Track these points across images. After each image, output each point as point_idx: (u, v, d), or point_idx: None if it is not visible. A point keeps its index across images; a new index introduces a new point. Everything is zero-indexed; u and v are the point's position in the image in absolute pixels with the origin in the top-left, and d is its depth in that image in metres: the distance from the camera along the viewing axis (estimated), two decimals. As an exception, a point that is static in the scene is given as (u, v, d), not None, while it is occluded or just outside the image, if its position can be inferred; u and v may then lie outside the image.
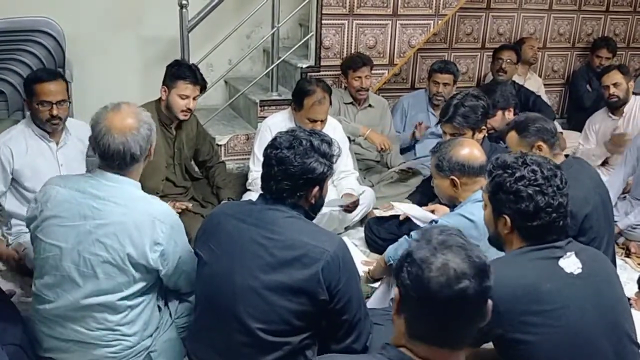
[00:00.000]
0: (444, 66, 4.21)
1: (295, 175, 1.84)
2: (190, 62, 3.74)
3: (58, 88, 2.77)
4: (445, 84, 4.18)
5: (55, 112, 2.78)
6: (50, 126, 2.82)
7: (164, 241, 1.97)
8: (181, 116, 3.12)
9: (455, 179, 2.47)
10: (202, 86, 3.17)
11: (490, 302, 1.28)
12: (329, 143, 1.93)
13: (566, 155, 2.76)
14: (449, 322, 1.24)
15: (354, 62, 3.91)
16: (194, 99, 3.11)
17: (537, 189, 1.74)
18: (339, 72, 4.06)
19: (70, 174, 2.71)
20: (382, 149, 3.91)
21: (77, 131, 2.96)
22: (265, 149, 1.92)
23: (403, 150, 4.31)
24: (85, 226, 1.94)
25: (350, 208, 3.28)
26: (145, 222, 1.94)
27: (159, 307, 2.15)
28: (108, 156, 1.97)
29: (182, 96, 3.07)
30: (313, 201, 1.93)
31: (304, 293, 1.78)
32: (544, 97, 5.05)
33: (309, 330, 1.85)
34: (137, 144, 1.98)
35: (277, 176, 1.85)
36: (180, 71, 3.09)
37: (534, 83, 5.10)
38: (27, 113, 2.89)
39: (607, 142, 4.12)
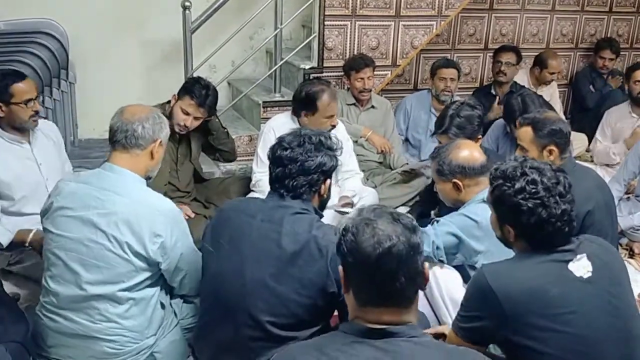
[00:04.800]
0: (447, 61, 4.25)
1: (311, 170, 1.94)
2: (194, 63, 3.78)
3: (33, 85, 2.82)
4: (451, 79, 4.18)
5: (37, 108, 2.80)
6: (32, 123, 2.80)
7: (163, 233, 2.01)
8: (176, 128, 3.10)
9: (458, 181, 2.46)
10: (209, 112, 3.15)
11: (426, 263, 1.40)
12: (331, 138, 2.05)
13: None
14: (386, 280, 1.33)
15: (357, 64, 3.90)
16: (195, 118, 3.10)
17: (538, 201, 1.70)
18: (342, 73, 4.06)
19: (50, 169, 2.86)
20: (382, 151, 3.91)
21: (42, 127, 2.92)
22: (275, 151, 1.98)
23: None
24: (88, 215, 1.99)
25: (347, 206, 3.31)
26: (145, 213, 2.00)
27: (162, 304, 2.16)
28: (112, 133, 2.11)
29: (184, 111, 3.08)
30: (325, 195, 2.03)
31: (314, 286, 1.82)
32: (557, 103, 4.98)
33: (317, 324, 1.88)
34: (141, 126, 2.10)
35: (293, 174, 1.93)
36: (193, 88, 3.08)
37: (547, 90, 5.00)
38: None
39: (628, 138, 4.11)
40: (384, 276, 1.33)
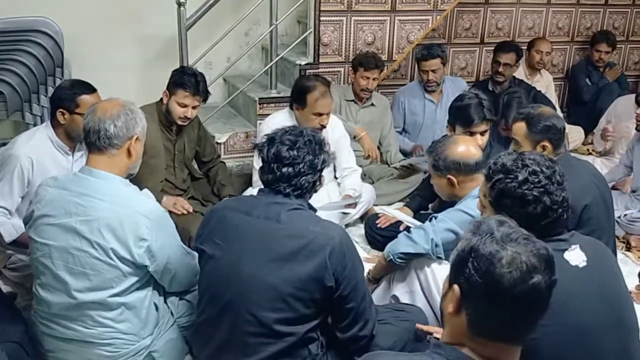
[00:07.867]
0: (427, 53, 4.18)
1: (315, 171, 1.96)
2: (189, 60, 3.77)
3: (99, 99, 2.71)
4: (433, 71, 4.18)
5: None
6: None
7: (148, 236, 1.97)
8: (179, 122, 3.14)
9: (452, 177, 2.47)
10: (204, 97, 3.16)
11: None
12: (317, 133, 2.05)
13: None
14: (518, 317, 1.21)
15: (368, 62, 3.87)
16: (193, 108, 3.11)
17: (542, 190, 1.74)
18: (338, 69, 4.06)
19: None
20: (368, 156, 3.87)
21: None
22: (269, 153, 1.94)
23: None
24: (70, 223, 1.96)
25: (350, 207, 3.32)
26: (128, 217, 1.95)
27: (155, 305, 2.15)
28: (86, 133, 2.04)
29: (180, 104, 3.09)
30: (317, 189, 2.04)
31: (312, 280, 1.82)
32: (553, 96, 4.99)
33: (315, 318, 1.89)
34: (113, 124, 2.01)
35: (296, 175, 1.92)
36: (183, 79, 3.08)
37: (543, 81, 5.02)
38: (47, 122, 2.76)
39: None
40: (516, 314, 1.20)
